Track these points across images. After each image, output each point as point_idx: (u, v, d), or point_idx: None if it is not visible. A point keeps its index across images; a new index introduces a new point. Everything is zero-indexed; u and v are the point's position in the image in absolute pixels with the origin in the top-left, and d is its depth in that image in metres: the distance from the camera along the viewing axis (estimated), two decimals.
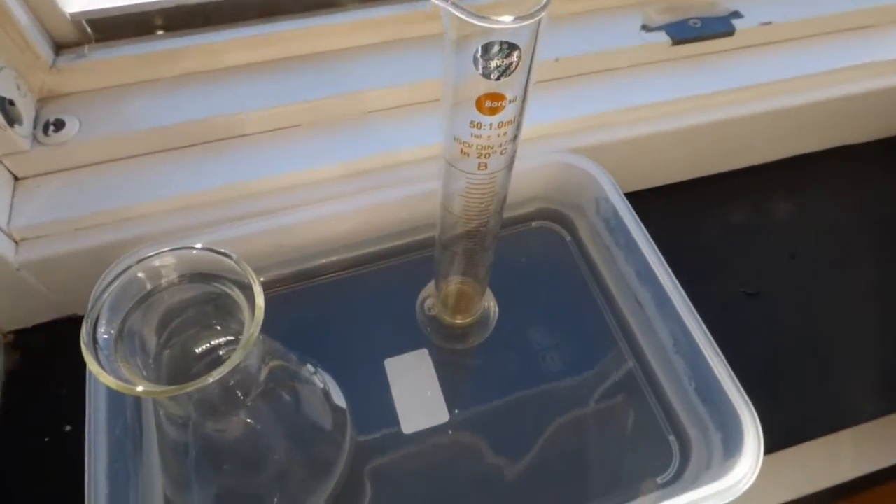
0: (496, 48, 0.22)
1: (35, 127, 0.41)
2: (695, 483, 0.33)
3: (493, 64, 0.22)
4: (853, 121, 0.55)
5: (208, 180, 0.41)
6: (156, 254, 0.23)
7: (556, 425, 0.38)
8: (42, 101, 0.42)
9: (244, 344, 0.22)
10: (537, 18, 0.21)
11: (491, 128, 0.24)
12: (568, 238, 0.46)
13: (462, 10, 0.20)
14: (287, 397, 0.29)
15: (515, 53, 0.22)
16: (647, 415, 0.39)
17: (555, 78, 0.48)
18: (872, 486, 0.44)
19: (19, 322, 0.43)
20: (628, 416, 0.39)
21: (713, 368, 0.35)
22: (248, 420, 0.27)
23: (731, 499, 0.31)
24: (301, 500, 0.31)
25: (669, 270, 0.38)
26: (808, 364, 0.44)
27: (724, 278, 0.48)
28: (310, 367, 0.32)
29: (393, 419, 0.37)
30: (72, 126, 0.41)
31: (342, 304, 0.43)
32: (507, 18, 0.21)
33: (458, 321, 0.41)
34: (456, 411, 0.38)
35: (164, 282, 0.24)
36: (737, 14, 0.50)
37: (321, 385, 0.32)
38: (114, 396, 0.33)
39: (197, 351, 0.27)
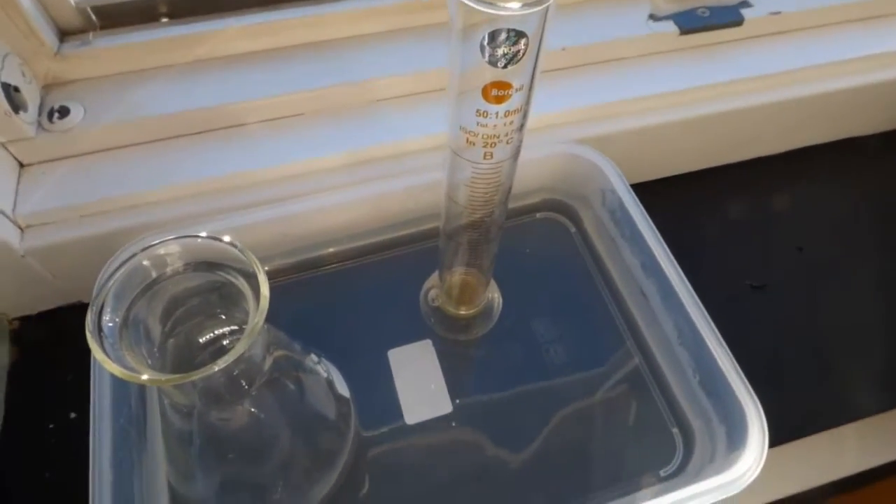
0: (503, 35, 0.21)
1: (40, 114, 0.41)
2: (698, 476, 0.32)
3: (499, 52, 0.22)
4: (862, 112, 0.54)
5: (213, 168, 0.41)
6: (160, 242, 0.23)
7: (559, 417, 0.38)
8: (47, 88, 0.42)
9: (249, 332, 0.22)
10: (546, 5, 0.20)
11: (497, 117, 0.24)
12: (573, 229, 0.46)
13: None
14: (291, 387, 0.29)
15: (523, 41, 0.22)
16: (651, 407, 0.38)
17: (561, 67, 0.47)
18: (876, 481, 0.44)
19: (24, 309, 0.44)
20: (632, 408, 0.39)
21: (718, 361, 0.35)
22: (253, 409, 0.27)
23: (735, 492, 0.31)
24: (304, 490, 0.31)
25: (675, 263, 0.38)
26: (813, 357, 0.44)
27: (730, 271, 0.48)
28: (313, 357, 0.32)
29: (396, 410, 0.37)
30: (76, 113, 0.41)
31: (346, 294, 0.43)
32: (515, 5, 0.20)
33: (461, 312, 0.41)
34: (459, 402, 0.38)
35: (168, 270, 0.24)
36: (746, 3, 0.49)
37: (325, 375, 0.32)
38: (118, 384, 0.33)
39: (201, 340, 0.27)
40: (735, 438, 0.33)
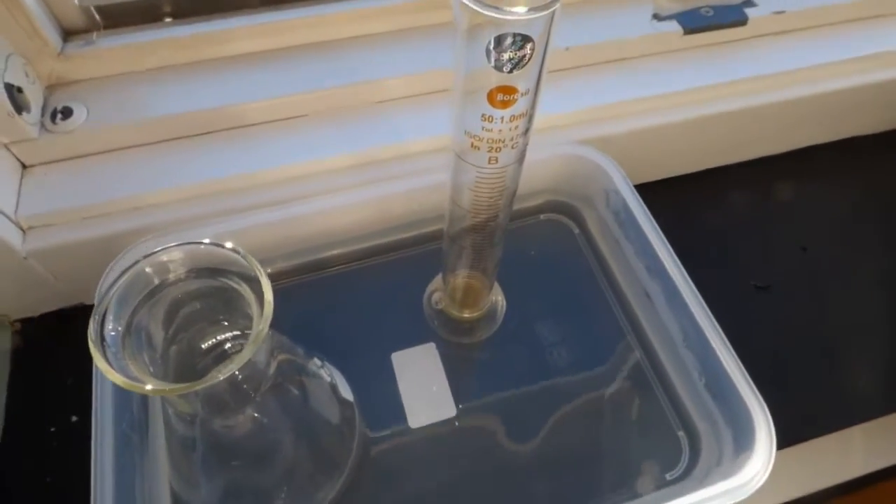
0: (509, 40, 0.21)
1: (43, 115, 0.40)
2: (706, 480, 0.32)
3: (505, 56, 0.22)
4: (865, 111, 0.54)
5: (216, 170, 0.41)
6: (163, 249, 0.23)
7: (563, 420, 0.38)
8: (50, 89, 0.42)
9: (254, 339, 0.22)
10: (552, 9, 0.20)
11: (502, 121, 0.24)
12: (577, 231, 0.46)
13: None
14: (295, 392, 0.29)
15: (529, 46, 0.21)
16: (657, 410, 0.38)
17: (564, 68, 0.47)
18: (883, 483, 0.44)
19: (26, 311, 0.43)
20: (637, 411, 0.38)
21: (723, 363, 0.34)
22: (257, 415, 0.27)
23: (743, 497, 0.30)
24: (309, 495, 0.31)
25: (679, 263, 0.38)
26: (819, 359, 0.43)
27: (735, 271, 0.47)
28: (317, 361, 0.32)
29: (400, 413, 0.37)
30: (80, 114, 0.40)
31: (349, 297, 0.42)
32: (521, 9, 0.20)
33: (465, 315, 0.40)
34: (463, 406, 0.38)
35: (171, 277, 0.23)
36: (749, 2, 0.49)
37: (328, 379, 0.32)
38: (120, 389, 0.33)
39: (203, 346, 0.27)
40: (742, 442, 0.33)
